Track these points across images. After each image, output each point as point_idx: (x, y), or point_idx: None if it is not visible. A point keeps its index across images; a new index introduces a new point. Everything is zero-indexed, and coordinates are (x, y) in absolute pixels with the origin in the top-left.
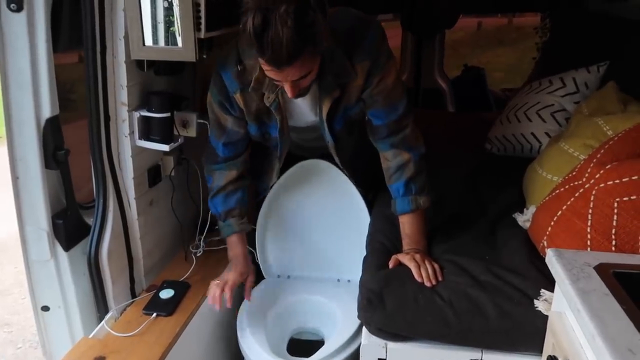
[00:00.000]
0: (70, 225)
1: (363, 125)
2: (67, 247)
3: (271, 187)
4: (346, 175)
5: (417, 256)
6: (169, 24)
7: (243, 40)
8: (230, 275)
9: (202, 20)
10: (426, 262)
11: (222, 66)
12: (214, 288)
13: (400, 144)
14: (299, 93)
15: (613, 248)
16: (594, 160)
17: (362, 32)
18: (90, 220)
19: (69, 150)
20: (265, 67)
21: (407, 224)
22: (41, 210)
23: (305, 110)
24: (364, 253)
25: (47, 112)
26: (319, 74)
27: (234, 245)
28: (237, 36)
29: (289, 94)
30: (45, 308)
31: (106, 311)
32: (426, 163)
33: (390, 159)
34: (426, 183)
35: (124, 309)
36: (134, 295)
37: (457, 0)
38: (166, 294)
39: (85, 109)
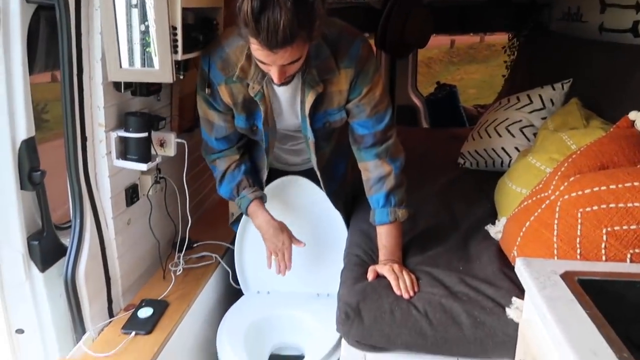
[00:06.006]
0: (46, 246)
1: (342, 136)
2: (42, 269)
3: (265, 182)
4: (321, 187)
5: (396, 267)
6: (145, 45)
7: (227, 31)
8: (267, 245)
9: (179, 43)
10: (404, 274)
11: (206, 59)
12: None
13: (383, 153)
14: (285, 80)
15: (578, 256)
16: (559, 173)
17: (349, 41)
18: (66, 241)
19: (45, 172)
20: (256, 48)
21: (384, 235)
22: (16, 232)
23: (288, 108)
24: (342, 267)
25: (22, 134)
26: (304, 66)
27: (255, 215)
28: (219, 32)
29: (275, 79)
30: (20, 331)
31: (83, 332)
32: (405, 177)
33: (371, 170)
34: (405, 196)
35: (102, 329)
36: (111, 314)
37: (428, 22)
38: (145, 312)
39: (62, 129)
